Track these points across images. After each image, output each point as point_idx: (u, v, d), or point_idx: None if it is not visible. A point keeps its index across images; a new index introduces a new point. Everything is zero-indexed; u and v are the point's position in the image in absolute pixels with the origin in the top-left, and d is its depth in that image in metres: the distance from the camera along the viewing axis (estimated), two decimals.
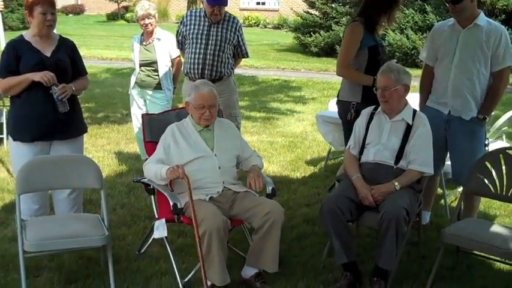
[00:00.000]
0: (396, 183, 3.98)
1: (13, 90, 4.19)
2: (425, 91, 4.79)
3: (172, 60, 6.44)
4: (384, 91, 4.09)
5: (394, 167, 4.09)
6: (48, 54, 4.24)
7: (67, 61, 4.30)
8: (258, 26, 30.72)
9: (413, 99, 4.92)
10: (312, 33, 19.74)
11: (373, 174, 4.10)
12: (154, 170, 3.92)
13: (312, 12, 20.80)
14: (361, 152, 4.25)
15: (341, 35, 18.38)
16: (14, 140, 4.28)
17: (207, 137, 4.09)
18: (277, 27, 29.11)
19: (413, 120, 4.14)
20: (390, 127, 4.15)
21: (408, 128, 4.12)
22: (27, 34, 4.29)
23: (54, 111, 4.18)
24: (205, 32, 5.38)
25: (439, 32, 4.61)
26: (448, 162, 5.04)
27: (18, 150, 4.27)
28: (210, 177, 3.98)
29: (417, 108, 4.85)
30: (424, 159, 4.08)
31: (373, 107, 4.31)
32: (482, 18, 4.41)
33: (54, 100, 4.13)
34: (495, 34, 4.37)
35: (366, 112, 4.33)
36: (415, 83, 4.72)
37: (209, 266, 3.68)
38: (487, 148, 4.76)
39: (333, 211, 3.90)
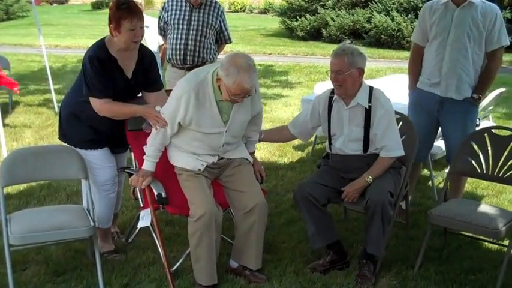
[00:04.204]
0: (368, 177, 3.87)
1: (114, 117, 3.90)
2: (415, 72, 4.70)
3: (159, 47, 6.39)
4: (337, 75, 3.84)
5: (364, 154, 3.97)
6: (129, 75, 3.91)
7: (142, 82, 4.01)
8: (244, 11, 30.59)
9: (404, 80, 4.90)
10: (298, 17, 19.69)
11: (345, 165, 4.03)
12: (147, 145, 3.78)
13: None
14: (330, 142, 4.10)
15: (327, 18, 18.44)
16: (84, 149, 4.00)
17: (225, 108, 3.68)
18: (264, 12, 28.97)
19: (370, 102, 3.91)
20: (349, 115, 3.94)
21: (367, 112, 3.91)
22: (112, 47, 3.82)
23: (118, 125, 3.98)
24: (186, 17, 5.34)
25: (431, 11, 4.50)
26: (435, 144, 5.05)
27: (87, 156, 4.00)
28: (209, 151, 3.79)
29: (407, 91, 4.84)
30: (392, 144, 3.91)
31: (329, 90, 4.08)
32: None
33: None
34: (491, 14, 4.34)
35: (323, 99, 4.10)
36: (402, 65, 4.69)
37: (195, 264, 3.70)
38: (477, 129, 4.76)
39: (305, 198, 3.90)
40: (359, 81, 3.91)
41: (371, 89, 3.97)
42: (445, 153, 4.89)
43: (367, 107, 3.90)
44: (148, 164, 3.75)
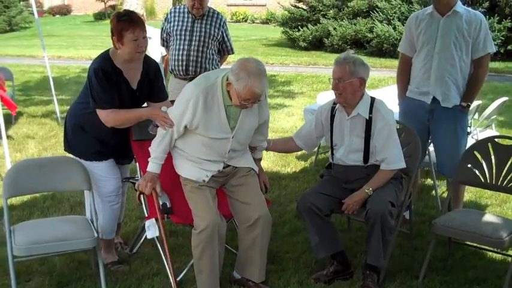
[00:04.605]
0: (369, 189, 3.86)
1: (122, 125, 3.91)
2: (404, 82, 4.74)
3: (162, 58, 6.39)
4: (338, 83, 3.86)
5: (365, 165, 3.97)
6: (135, 86, 3.91)
7: (147, 92, 4.02)
8: (246, 21, 30.67)
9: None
10: (299, 27, 19.74)
11: (346, 176, 4.03)
12: (153, 147, 3.74)
13: (300, 6, 20.80)
14: (332, 152, 4.11)
15: (329, 28, 18.48)
16: (89, 160, 3.99)
17: (233, 114, 3.65)
18: (265, 22, 29.08)
19: (371, 113, 3.91)
20: (350, 125, 3.95)
21: (368, 123, 3.91)
22: (116, 59, 3.82)
23: (124, 136, 4.00)
24: (188, 28, 5.36)
25: (417, 21, 4.56)
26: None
27: (91, 167, 3.99)
28: (215, 157, 3.75)
29: (396, 101, 4.85)
30: (392, 156, 3.89)
31: (332, 100, 4.09)
32: (460, 6, 4.43)
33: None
34: (475, 21, 4.39)
35: (325, 109, 4.12)
36: None
37: (198, 276, 3.69)
38: (470, 137, 4.77)
39: (308, 208, 3.90)
40: (360, 91, 3.91)
41: (373, 100, 3.97)
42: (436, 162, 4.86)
43: (368, 118, 3.90)
44: (154, 166, 3.71)
